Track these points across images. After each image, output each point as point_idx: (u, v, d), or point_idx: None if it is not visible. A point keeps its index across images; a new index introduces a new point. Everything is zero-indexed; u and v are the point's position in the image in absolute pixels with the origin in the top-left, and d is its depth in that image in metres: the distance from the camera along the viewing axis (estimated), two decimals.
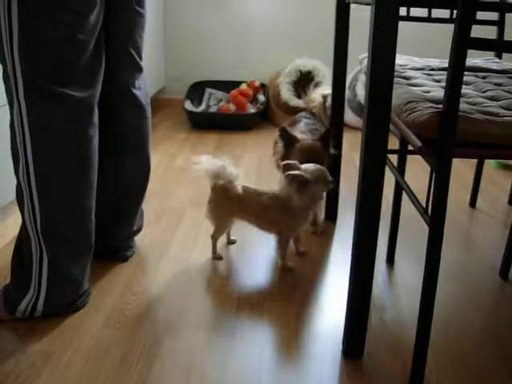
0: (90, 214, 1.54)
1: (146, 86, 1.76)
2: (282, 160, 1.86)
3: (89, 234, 1.55)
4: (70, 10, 1.34)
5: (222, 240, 1.98)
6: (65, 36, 1.36)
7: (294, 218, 1.80)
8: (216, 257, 1.91)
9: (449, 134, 1.12)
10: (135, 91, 1.69)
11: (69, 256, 1.51)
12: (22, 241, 1.50)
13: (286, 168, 1.73)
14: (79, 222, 1.51)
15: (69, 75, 1.40)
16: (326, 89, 2.37)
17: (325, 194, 2.14)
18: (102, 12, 1.45)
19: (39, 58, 1.36)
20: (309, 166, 1.76)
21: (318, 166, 1.78)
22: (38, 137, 1.40)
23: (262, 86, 3.85)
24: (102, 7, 1.43)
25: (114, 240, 1.83)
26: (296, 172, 1.71)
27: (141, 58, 1.71)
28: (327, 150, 1.97)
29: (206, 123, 3.59)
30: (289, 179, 1.72)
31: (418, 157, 1.26)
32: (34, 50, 1.35)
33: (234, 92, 3.74)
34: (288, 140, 1.95)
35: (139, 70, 1.72)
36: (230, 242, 2.01)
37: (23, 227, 1.48)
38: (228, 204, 1.84)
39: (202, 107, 3.78)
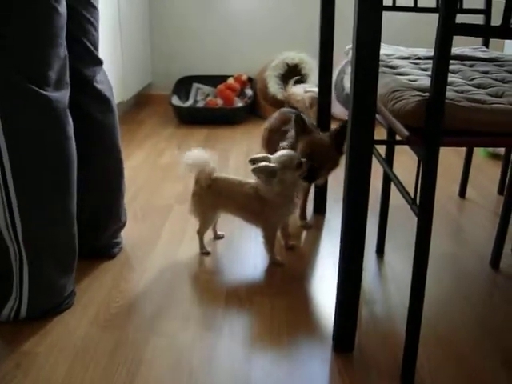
0: (72, 217, 1.51)
1: (107, 79, 1.72)
2: (292, 147, 1.83)
3: (71, 238, 1.52)
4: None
5: (210, 235, 1.96)
6: (42, 18, 1.33)
7: (274, 209, 1.78)
8: (204, 252, 1.88)
9: (436, 123, 1.10)
10: (97, 85, 1.65)
11: (51, 262, 1.48)
12: None
13: (253, 162, 1.73)
14: (61, 227, 1.48)
15: (43, 73, 1.36)
16: (309, 86, 2.34)
17: (313, 185, 2.13)
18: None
19: (14, 53, 1.33)
20: (277, 154, 1.75)
21: (286, 152, 1.75)
22: (13, 139, 1.35)
23: (249, 79, 3.83)
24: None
25: (99, 238, 1.80)
26: (259, 164, 1.70)
27: (97, 50, 1.67)
28: (339, 148, 1.83)
29: (193, 118, 3.56)
30: (255, 173, 1.71)
31: (407, 147, 1.24)
32: (8, 44, 1.32)
33: (221, 86, 3.72)
34: (301, 129, 1.87)
35: (98, 62, 1.68)
36: (217, 237, 1.99)
37: None
38: (211, 197, 1.82)
39: (190, 102, 3.76)
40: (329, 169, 1.88)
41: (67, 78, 1.46)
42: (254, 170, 1.70)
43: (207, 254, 1.88)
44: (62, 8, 1.38)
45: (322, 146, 1.83)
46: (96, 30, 1.65)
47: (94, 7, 1.62)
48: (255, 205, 1.78)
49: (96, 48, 1.66)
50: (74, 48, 1.55)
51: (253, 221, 1.85)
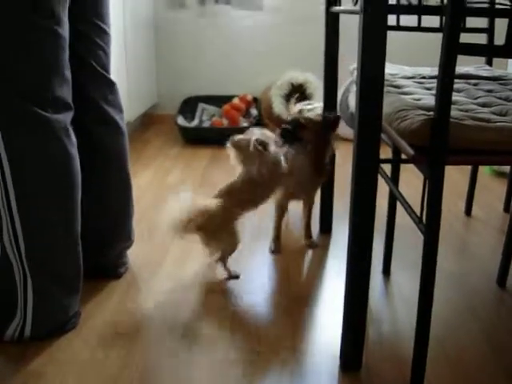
0: (77, 237, 1.50)
1: (118, 102, 1.72)
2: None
3: (75, 258, 1.51)
4: (46, 11, 1.33)
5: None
6: (40, 42, 1.35)
7: (266, 187, 1.87)
8: (233, 276, 1.86)
9: (441, 141, 1.11)
10: (107, 107, 1.67)
11: (55, 281, 1.48)
12: (2, 268, 1.45)
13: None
14: (65, 246, 1.48)
15: (43, 95, 1.38)
16: (309, 103, 2.36)
17: (318, 201, 2.14)
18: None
19: (13, 75, 1.34)
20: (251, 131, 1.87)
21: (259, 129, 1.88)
22: (16, 159, 1.36)
23: (255, 99, 3.85)
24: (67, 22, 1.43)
25: (105, 258, 1.80)
26: (237, 137, 1.82)
27: (108, 73, 1.68)
28: (328, 129, 1.99)
29: (199, 138, 3.58)
30: (235, 147, 1.83)
31: (412, 165, 1.25)
32: (8, 65, 1.33)
33: (226, 106, 3.73)
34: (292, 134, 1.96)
35: (109, 84, 1.69)
36: None
37: (3, 253, 1.43)
38: (224, 217, 1.80)
39: (195, 122, 3.77)
40: (319, 147, 1.98)
41: (69, 100, 1.47)
42: (233, 144, 1.80)
43: (237, 277, 1.86)
44: (63, 30, 1.40)
45: (311, 119, 1.99)
46: (107, 54, 1.67)
47: (106, 33, 1.65)
48: (255, 191, 1.84)
49: (107, 71, 1.67)
50: (84, 71, 1.58)
51: (263, 201, 1.89)
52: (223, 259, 1.85)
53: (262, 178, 1.82)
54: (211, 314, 1.66)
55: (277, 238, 2.07)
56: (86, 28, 1.59)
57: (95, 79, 1.64)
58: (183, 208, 1.74)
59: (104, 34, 1.64)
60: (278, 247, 2.06)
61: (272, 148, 1.83)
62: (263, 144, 1.80)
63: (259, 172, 1.81)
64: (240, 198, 1.83)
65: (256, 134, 1.83)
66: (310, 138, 1.95)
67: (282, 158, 1.86)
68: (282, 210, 2.08)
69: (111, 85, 1.70)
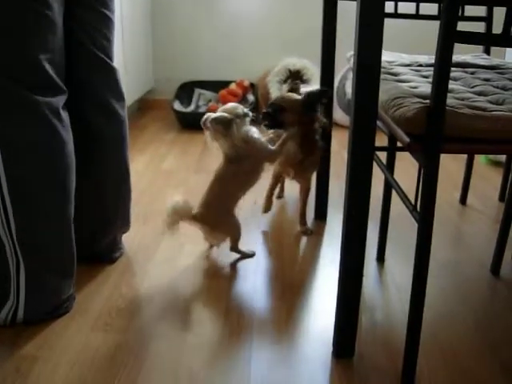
0: (69, 221, 1.50)
1: (120, 88, 1.71)
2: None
3: (68, 242, 1.51)
4: None
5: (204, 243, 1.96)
6: (31, 25, 1.34)
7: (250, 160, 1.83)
8: (250, 254, 1.91)
9: (436, 129, 1.11)
10: (107, 94, 1.66)
11: (47, 264, 1.48)
12: None
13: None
14: (57, 229, 1.47)
15: (32, 77, 1.37)
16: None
17: (314, 189, 2.14)
18: (63, 6, 1.43)
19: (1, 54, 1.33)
20: (224, 107, 1.85)
21: (233, 104, 1.86)
22: (6, 142, 1.35)
23: (251, 85, 3.84)
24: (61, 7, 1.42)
25: (100, 244, 1.80)
26: (214, 115, 1.78)
27: (111, 59, 1.67)
28: (308, 110, 1.92)
29: (195, 123, 3.54)
30: (214, 125, 1.76)
31: (408, 153, 1.25)
32: None
33: (223, 92, 3.73)
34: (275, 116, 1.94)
35: (110, 70, 1.67)
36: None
37: None
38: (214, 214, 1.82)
39: (192, 107, 3.76)
40: (304, 126, 1.94)
41: (61, 83, 1.46)
42: (212, 121, 1.75)
43: (253, 254, 1.91)
44: (54, 14, 1.39)
45: (291, 100, 1.94)
46: (110, 41, 1.65)
47: (110, 20, 1.63)
48: (234, 168, 1.82)
49: (110, 57, 1.66)
50: (86, 58, 1.58)
51: (256, 178, 1.88)
52: (235, 246, 1.89)
53: (238, 160, 1.80)
54: (205, 298, 1.67)
55: (267, 197, 2.20)
56: (91, 16, 1.57)
57: (97, 66, 1.63)
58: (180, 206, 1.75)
59: (108, 20, 1.63)
60: (267, 206, 2.19)
61: (240, 126, 1.79)
62: (223, 122, 1.76)
63: (233, 153, 1.80)
64: (231, 184, 1.84)
65: (217, 113, 1.80)
66: (292, 119, 1.91)
67: (256, 133, 1.85)
68: (275, 180, 2.18)
69: (113, 72, 1.68)
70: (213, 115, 1.77)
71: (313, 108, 1.91)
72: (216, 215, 1.81)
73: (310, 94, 1.91)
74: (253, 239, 2.00)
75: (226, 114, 1.77)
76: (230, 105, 1.84)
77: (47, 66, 1.39)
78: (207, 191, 1.82)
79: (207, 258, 1.89)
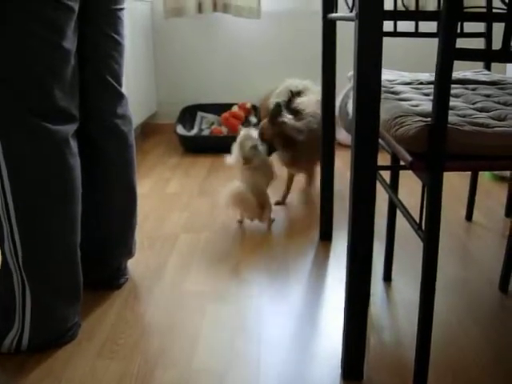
0: (75, 247, 1.50)
1: (129, 113, 1.73)
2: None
3: (74, 269, 1.50)
4: (51, 25, 1.33)
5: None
6: (45, 55, 1.35)
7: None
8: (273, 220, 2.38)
9: (439, 147, 1.10)
10: (116, 120, 1.67)
11: (53, 292, 1.47)
12: (2, 276, 1.45)
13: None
14: (63, 257, 1.47)
15: (43, 105, 1.38)
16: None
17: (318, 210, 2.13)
18: (76, 33, 1.44)
19: (15, 83, 1.34)
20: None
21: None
22: (15, 168, 1.36)
23: (254, 107, 3.85)
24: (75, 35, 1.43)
25: (105, 270, 1.79)
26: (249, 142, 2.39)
27: (120, 86, 1.68)
28: (273, 122, 2.44)
29: (198, 147, 3.57)
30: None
31: (411, 172, 1.24)
32: (9, 71, 1.34)
33: (225, 114, 3.73)
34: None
35: (120, 96, 1.69)
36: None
37: (4, 261, 1.43)
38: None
39: (195, 131, 3.77)
40: (280, 143, 2.45)
41: (74, 111, 1.47)
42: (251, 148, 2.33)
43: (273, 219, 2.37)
44: (68, 43, 1.40)
45: (263, 125, 2.49)
46: (120, 66, 1.67)
47: (120, 44, 1.65)
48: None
49: (119, 83, 1.68)
50: (95, 83, 1.60)
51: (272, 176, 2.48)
52: (269, 218, 2.33)
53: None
54: (212, 325, 1.65)
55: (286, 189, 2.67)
56: (102, 41, 1.59)
57: (107, 92, 1.64)
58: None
59: (118, 45, 1.64)
60: (283, 198, 2.64)
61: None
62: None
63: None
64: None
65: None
66: (270, 134, 2.43)
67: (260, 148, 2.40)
68: (289, 179, 2.68)
69: (122, 97, 1.70)
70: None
71: (275, 118, 2.43)
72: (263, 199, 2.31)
73: (270, 112, 2.46)
74: (258, 257, 1.99)
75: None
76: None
77: (60, 95, 1.40)
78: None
79: (213, 278, 1.88)
